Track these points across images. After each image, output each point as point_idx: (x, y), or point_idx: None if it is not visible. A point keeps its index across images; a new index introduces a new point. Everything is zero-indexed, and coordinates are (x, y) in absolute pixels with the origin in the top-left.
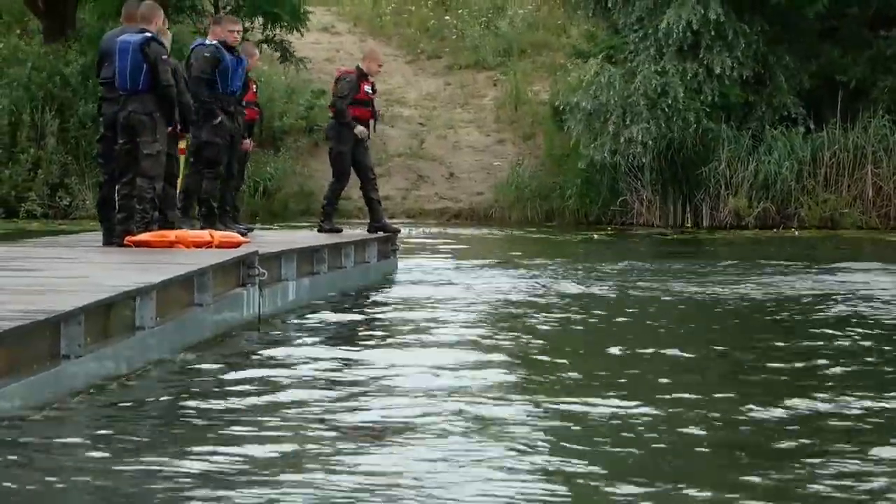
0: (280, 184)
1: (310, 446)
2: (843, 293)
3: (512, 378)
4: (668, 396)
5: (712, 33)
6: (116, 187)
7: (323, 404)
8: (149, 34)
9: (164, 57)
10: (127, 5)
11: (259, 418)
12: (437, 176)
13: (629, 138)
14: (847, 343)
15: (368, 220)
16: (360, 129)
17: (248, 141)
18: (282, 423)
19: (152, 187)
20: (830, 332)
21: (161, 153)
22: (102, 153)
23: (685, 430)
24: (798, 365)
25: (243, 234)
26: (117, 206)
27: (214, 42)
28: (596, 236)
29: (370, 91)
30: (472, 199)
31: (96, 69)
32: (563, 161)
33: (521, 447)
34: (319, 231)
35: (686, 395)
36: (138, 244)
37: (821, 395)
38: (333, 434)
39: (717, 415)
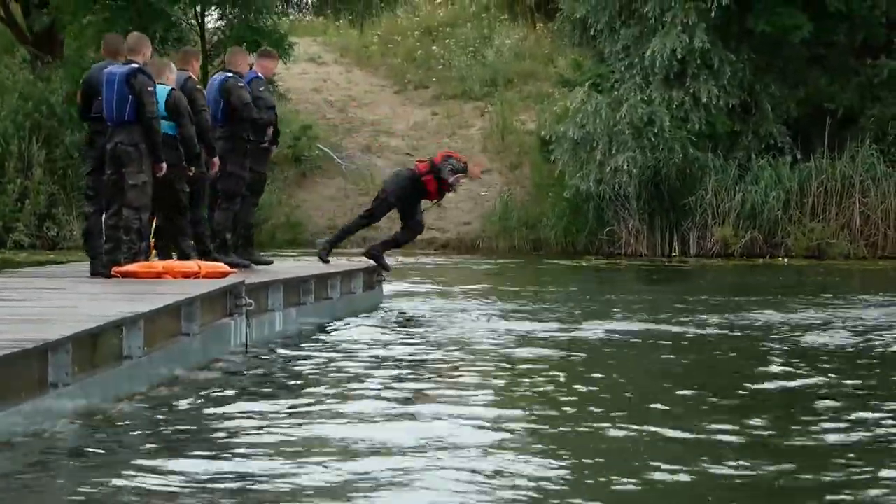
0: (267, 214)
1: (295, 479)
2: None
3: (493, 416)
4: (643, 433)
5: (698, 62)
6: (103, 217)
7: (307, 436)
8: (135, 65)
9: (150, 88)
10: (106, 39)
11: (246, 449)
12: (424, 205)
13: (615, 167)
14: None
15: (376, 243)
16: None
17: None
18: (268, 453)
19: (138, 218)
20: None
21: (147, 184)
22: (93, 186)
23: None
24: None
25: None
26: (104, 237)
27: (230, 74)
28: (584, 263)
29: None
30: (459, 229)
31: (81, 104)
32: (550, 190)
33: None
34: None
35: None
36: (125, 275)
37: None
38: (318, 467)
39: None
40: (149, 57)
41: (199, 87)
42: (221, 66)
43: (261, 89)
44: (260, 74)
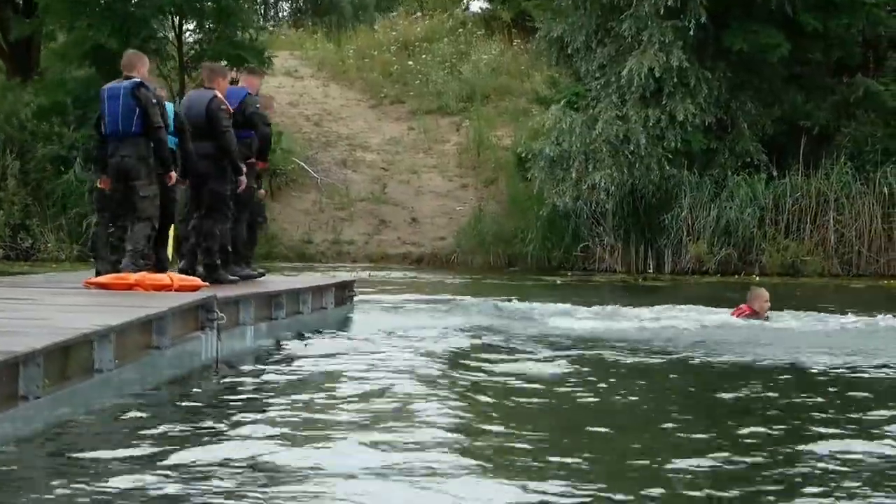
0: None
1: (261, 495)
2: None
3: (463, 435)
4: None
5: (675, 80)
6: (110, 229)
7: (274, 453)
8: (137, 80)
9: (154, 101)
10: (125, 55)
11: (212, 465)
12: (400, 220)
13: (592, 185)
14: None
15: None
16: None
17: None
18: (235, 470)
19: (152, 227)
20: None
21: (157, 196)
22: (98, 198)
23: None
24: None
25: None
26: (110, 249)
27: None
28: (559, 281)
29: None
30: (434, 244)
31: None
32: (526, 206)
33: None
34: None
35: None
36: (97, 286)
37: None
38: (287, 483)
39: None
40: (145, 73)
41: (223, 107)
42: (201, 83)
43: (257, 106)
44: (250, 91)
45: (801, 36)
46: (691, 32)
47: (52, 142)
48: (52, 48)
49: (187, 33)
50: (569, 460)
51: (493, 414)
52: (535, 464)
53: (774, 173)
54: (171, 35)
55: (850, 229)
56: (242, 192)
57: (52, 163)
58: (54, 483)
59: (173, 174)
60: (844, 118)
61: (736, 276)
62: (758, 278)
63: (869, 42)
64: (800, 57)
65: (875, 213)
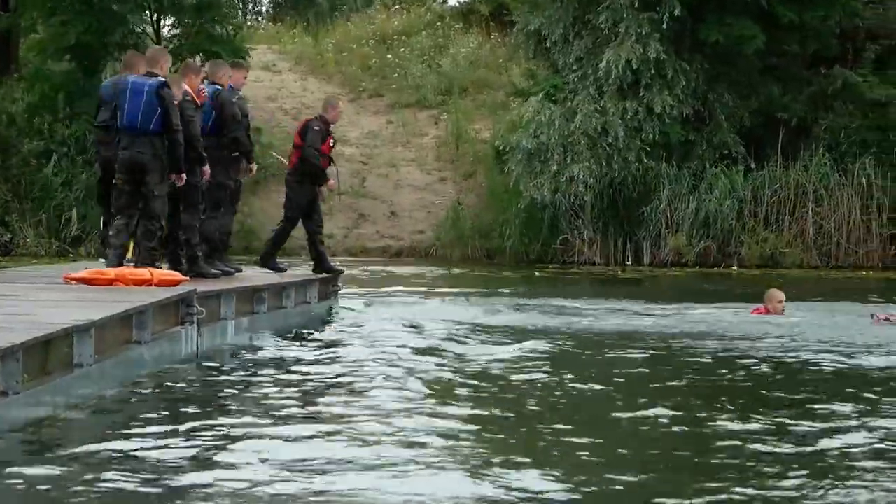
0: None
1: (246, 488)
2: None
3: (441, 432)
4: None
5: (652, 72)
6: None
7: (253, 448)
8: (162, 79)
9: (175, 102)
10: (127, 55)
11: (193, 459)
12: (379, 214)
13: (570, 177)
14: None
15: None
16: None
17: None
18: (214, 465)
19: (161, 226)
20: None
21: (167, 194)
22: (105, 193)
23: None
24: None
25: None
26: (109, 243)
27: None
28: (538, 274)
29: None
30: (413, 237)
31: (96, 114)
32: (504, 199)
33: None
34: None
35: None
36: (78, 281)
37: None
38: (268, 476)
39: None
40: (168, 71)
41: (188, 98)
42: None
43: (235, 99)
44: (232, 85)
45: (777, 28)
46: (664, 25)
47: (43, 136)
48: (32, 40)
49: (165, 28)
50: (570, 456)
51: (482, 409)
52: (534, 456)
53: (752, 165)
54: (150, 30)
55: (828, 221)
56: (232, 185)
57: (37, 158)
58: (34, 478)
59: (184, 176)
60: (822, 110)
61: (715, 269)
62: (737, 269)
63: (847, 33)
64: (776, 49)
65: (853, 204)
